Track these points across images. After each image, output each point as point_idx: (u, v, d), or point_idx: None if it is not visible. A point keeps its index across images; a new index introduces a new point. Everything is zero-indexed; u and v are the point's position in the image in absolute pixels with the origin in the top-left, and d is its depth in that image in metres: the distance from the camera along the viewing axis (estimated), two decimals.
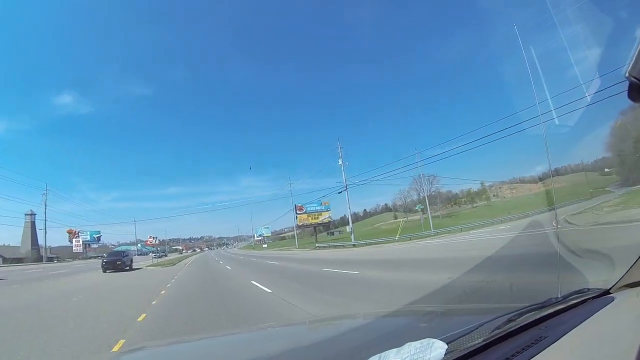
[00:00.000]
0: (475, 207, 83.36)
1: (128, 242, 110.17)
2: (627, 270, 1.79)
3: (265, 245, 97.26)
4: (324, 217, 72.93)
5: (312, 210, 71.84)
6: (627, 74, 1.03)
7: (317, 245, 56.26)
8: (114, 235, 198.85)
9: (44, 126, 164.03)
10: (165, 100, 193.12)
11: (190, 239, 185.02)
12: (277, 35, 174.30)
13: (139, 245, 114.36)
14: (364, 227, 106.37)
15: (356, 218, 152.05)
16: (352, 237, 44.74)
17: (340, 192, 47.86)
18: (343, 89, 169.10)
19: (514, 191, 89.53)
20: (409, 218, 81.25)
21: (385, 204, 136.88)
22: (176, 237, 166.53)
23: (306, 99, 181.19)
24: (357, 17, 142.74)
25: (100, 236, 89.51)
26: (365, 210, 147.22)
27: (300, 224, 72.22)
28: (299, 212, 70.42)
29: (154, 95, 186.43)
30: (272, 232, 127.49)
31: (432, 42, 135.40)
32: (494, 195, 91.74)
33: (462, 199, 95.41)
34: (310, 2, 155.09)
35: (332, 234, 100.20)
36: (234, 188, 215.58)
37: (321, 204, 71.16)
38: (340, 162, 48.47)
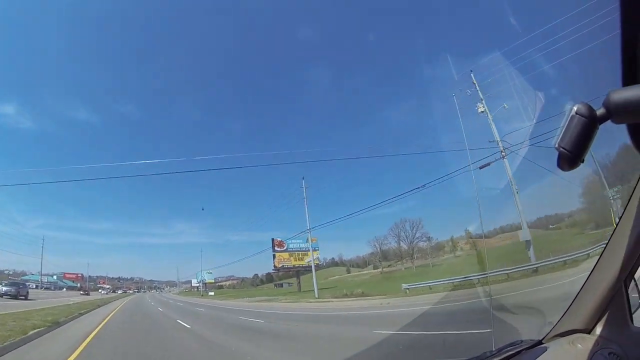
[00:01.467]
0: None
1: (34, 272, 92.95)
2: (558, 320, 1.90)
3: (212, 293, 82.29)
4: (310, 259, 52.27)
5: (295, 248, 56.75)
6: (556, 145, 1.14)
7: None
8: (28, 265, 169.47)
9: None
10: (109, 131, 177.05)
11: (119, 279, 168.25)
12: (225, 83, 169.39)
13: (54, 277, 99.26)
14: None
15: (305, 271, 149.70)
16: (316, 290, 39.80)
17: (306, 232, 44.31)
18: (291, 147, 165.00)
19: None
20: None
21: (332, 258, 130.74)
22: (102, 274, 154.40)
23: (258, 147, 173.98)
24: (312, 80, 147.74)
25: None
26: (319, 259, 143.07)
27: (280, 265, 57.24)
28: (279, 249, 55.53)
29: (98, 124, 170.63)
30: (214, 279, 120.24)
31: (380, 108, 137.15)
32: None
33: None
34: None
35: (281, 285, 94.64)
36: (168, 231, 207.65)
37: (306, 240, 51.89)
38: (305, 207, 41.94)
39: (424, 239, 68.46)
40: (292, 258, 56.95)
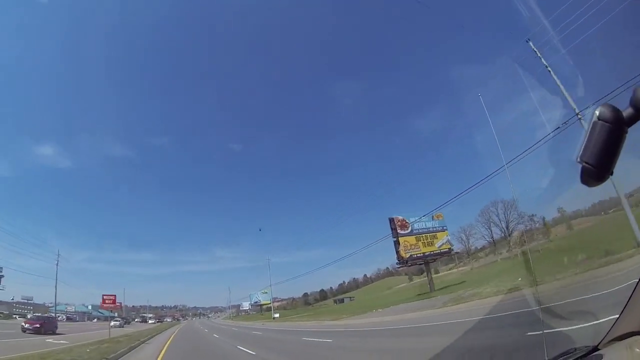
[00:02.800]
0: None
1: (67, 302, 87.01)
2: (614, 324, 1.77)
3: (277, 315, 62.71)
4: (442, 242, 42.42)
5: (421, 229, 41.54)
6: (578, 159, 1.06)
7: None
8: (81, 297, 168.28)
9: (21, 174, 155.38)
10: (146, 165, 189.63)
11: (162, 307, 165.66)
12: (257, 109, 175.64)
13: (89, 307, 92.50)
14: (373, 293, 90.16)
15: (356, 285, 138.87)
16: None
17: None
18: (325, 162, 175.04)
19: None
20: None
21: (387, 268, 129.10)
22: (145, 304, 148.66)
23: (288, 170, 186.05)
24: (342, 95, 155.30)
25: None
26: (365, 275, 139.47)
27: (407, 254, 40.13)
28: (402, 231, 40.25)
29: (135, 158, 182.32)
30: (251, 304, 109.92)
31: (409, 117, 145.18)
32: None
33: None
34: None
35: (342, 301, 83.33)
36: (207, 258, 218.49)
37: (433, 217, 41.73)
38: None
39: (524, 220, 55.51)
40: (420, 243, 40.93)
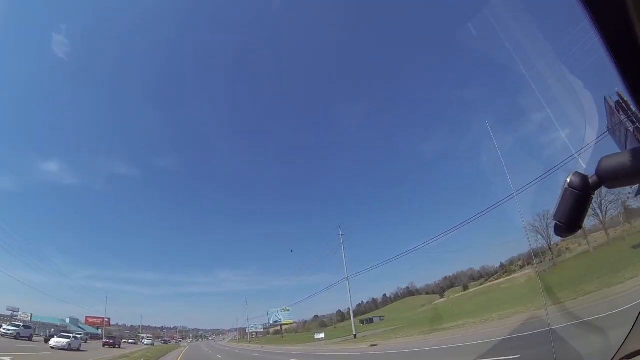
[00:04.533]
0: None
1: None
2: (624, 340, 1.75)
3: (322, 336, 47.97)
4: None
5: None
6: (553, 218, 1.27)
7: None
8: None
9: (26, 189, 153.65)
10: (152, 184, 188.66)
11: (162, 328, 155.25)
12: (263, 129, 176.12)
13: (67, 320, 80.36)
14: (404, 312, 78.48)
15: (375, 305, 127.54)
16: None
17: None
18: (333, 186, 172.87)
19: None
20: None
21: (407, 287, 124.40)
22: (145, 324, 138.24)
23: (293, 194, 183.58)
24: (347, 117, 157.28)
25: None
26: (384, 295, 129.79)
27: None
28: None
29: (141, 178, 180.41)
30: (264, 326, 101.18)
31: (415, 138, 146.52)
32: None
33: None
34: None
35: (371, 321, 71.58)
36: (211, 280, 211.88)
37: None
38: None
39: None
40: None
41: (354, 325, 32.13)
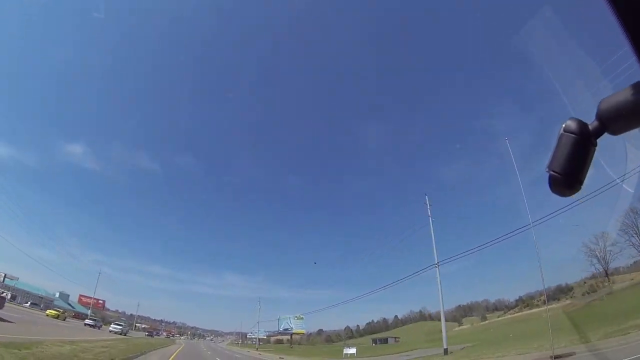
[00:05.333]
0: None
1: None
2: None
3: (353, 351, 39.62)
4: None
5: None
6: (546, 169, 1.10)
7: None
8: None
9: (47, 167, 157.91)
10: (170, 180, 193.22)
11: (162, 321, 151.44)
12: (284, 141, 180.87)
13: (56, 294, 78.16)
14: (419, 335, 72.01)
15: (386, 325, 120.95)
16: None
17: None
18: (347, 201, 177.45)
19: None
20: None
21: (420, 311, 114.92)
22: (145, 315, 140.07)
23: (311, 206, 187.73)
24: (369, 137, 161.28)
25: None
26: (396, 316, 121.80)
27: None
28: None
29: (160, 172, 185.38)
30: (267, 334, 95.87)
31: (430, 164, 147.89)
32: None
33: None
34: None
35: (385, 341, 65.58)
36: (217, 281, 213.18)
37: None
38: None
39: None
40: None
41: (445, 336, 25.90)
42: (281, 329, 70.26)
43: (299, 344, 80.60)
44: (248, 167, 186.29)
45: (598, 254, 44.43)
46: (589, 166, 1.01)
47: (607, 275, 44.62)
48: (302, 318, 66.75)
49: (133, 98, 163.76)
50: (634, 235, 39.47)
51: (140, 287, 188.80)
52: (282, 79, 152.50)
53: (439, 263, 28.42)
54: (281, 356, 38.70)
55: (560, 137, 1.04)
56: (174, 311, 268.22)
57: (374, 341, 70.28)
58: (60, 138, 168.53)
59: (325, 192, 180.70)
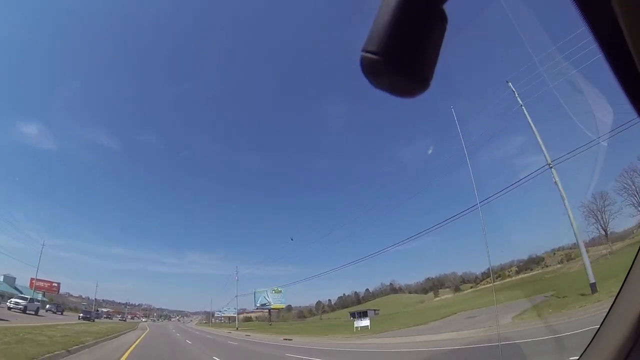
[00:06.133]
0: None
1: None
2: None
3: (367, 324, 34.23)
4: None
5: None
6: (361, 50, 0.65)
7: None
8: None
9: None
10: (130, 158, 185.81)
11: (126, 304, 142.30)
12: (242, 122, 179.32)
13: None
14: (395, 308, 72.13)
15: (358, 300, 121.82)
16: None
17: None
18: (311, 178, 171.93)
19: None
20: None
21: (390, 284, 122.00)
22: (109, 299, 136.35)
23: (268, 183, 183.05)
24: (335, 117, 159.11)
25: None
26: (367, 289, 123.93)
27: None
28: None
29: (119, 150, 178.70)
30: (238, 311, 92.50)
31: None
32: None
33: None
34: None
35: (365, 314, 64.43)
36: (180, 260, 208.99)
37: None
38: None
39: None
40: None
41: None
42: (258, 305, 65.62)
43: (271, 322, 77.27)
44: (209, 144, 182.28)
45: (598, 215, 44.27)
46: (438, 46, 0.63)
47: (606, 234, 44.86)
48: (280, 291, 63.07)
49: (92, 76, 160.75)
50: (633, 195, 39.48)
51: (103, 270, 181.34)
52: (243, 54, 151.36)
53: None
54: (287, 337, 30.49)
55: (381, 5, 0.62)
56: (140, 293, 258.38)
57: (352, 315, 69.26)
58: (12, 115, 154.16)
59: (288, 169, 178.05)
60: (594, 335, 1.62)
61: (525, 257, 75.19)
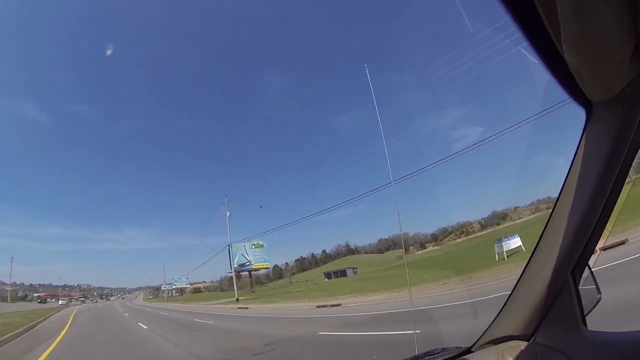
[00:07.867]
0: None
1: None
2: (490, 324, 1.67)
3: None
4: None
5: None
6: None
7: None
8: None
9: None
10: (59, 130, 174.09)
11: (64, 286, 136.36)
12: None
13: None
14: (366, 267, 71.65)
15: (316, 262, 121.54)
16: None
17: None
18: (245, 145, 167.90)
19: None
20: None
21: (347, 244, 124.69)
22: (45, 282, 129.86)
23: (199, 152, 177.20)
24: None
25: None
26: (324, 250, 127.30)
27: None
28: None
29: (47, 122, 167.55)
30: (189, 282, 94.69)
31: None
32: None
33: None
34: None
35: (343, 273, 62.68)
36: (118, 236, 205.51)
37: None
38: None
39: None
40: None
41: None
42: (236, 265, 50.94)
43: (254, 288, 67.40)
44: (143, 113, 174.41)
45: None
46: None
47: None
48: (261, 245, 53.28)
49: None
50: None
51: (37, 253, 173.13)
52: (180, 21, 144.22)
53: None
54: (322, 303, 20.80)
55: None
56: (78, 273, 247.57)
57: (327, 275, 67.12)
58: None
59: (223, 136, 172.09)
60: (506, 301, 1.60)
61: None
